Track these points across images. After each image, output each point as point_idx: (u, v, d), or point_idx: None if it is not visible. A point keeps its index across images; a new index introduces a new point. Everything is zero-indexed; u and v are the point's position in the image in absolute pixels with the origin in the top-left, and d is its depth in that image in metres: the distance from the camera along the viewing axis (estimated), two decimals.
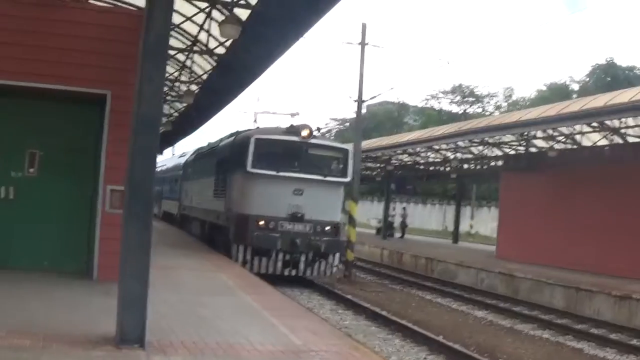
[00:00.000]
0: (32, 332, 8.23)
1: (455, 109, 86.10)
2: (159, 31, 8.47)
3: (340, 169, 22.72)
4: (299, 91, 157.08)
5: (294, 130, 22.05)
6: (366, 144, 38.10)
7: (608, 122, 24.60)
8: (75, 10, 12.91)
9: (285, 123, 28.64)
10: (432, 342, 14.64)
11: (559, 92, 68.46)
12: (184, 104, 29.70)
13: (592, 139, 28.10)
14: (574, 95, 62.56)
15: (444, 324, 17.59)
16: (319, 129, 24.04)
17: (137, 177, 8.34)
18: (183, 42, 21.10)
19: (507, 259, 30.12)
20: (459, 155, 37.62)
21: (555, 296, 22.35)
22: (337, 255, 22.44)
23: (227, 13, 16.46)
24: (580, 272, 24.65)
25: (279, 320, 11.13)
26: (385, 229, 47.50)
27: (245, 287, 15.04)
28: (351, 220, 27.45)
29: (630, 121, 24.22)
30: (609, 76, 67.28)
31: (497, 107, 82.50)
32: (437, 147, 36.71)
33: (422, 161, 44.07)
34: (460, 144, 34.58)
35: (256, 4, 15.37)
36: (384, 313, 18.10)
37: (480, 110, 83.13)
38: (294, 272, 21.62)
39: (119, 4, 17.23)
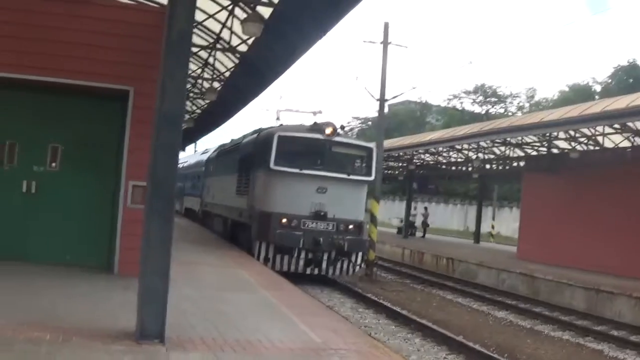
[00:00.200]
0: (52, 325, 8.28)
1: (477, 109, 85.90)
2: (181, 28, 8.49)
3: (364, 168, 22.58)
4: (322, 89, 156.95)
5: (317, 127, 21.84)
6: (388, 143, 38.04)
7: (630, 124, 24.45)
8: (99, 7, 12.96)
9: (307, 121, 28.56)
10: (452, 342, 14.62)
11: (581, 93, 68.15)
12: (207, 101, 29.86)
13: (614, 140, 27.93)
14: (596, 97, 62.24)
15: (464, 324, 17.55)
16: (343, 127, 23.85)
17: (159, 173, 8.37)
18: (206, 40, 21.18)
19: (528, 259, 29.95)
20: (481, 155, 37.47)
21: (575, 297, 22.21)
22: (360, 254, 22.19)
23: (249, 11, 16.47)
24: (602, 274, 24.49)
25: (299, 317, 11.12)
26: (407, 228, 47.41)
27: (266, 284, 15.03)
28: (373, 219, 27.37)
29: None
30: (631, 77, 66.93)
31: (520, 108, 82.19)
32: (459, 147, 36.70)
33: (444, 161, 44.02)
34: (483, 144, 34.54)
35: (279, 2, 15.39)
36: (404, 312, 18.08)
37: (502, 110, 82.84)
38: (316, 271, 21.48)
39: (143, 1, 17.32)
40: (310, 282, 21.09)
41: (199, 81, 27.41)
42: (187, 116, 35.95)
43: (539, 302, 22.53)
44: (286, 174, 21.14)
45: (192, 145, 64.61)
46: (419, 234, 49.31)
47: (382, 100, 28.76)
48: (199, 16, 17.62)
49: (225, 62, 23.49)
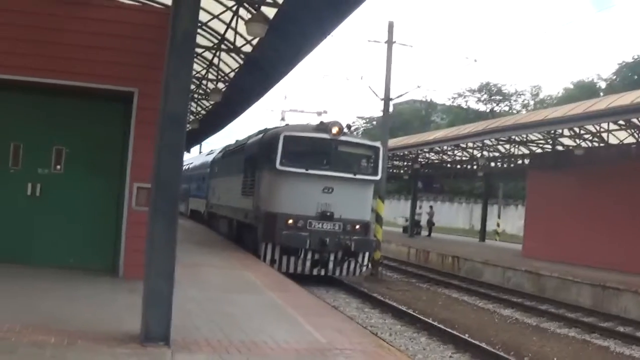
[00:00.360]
0: (57, 328, 8.27)
1: (482, 107, 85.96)
2: (185, 29, 8.47)
3: (371, 167, 22.41)
4: (326, 89, 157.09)
5: (323, 127, 21.70)
6: (393, 142, 38.06)
7: (635, 120, 24.42)
8: (103, 8, 12.96)
9: (312, 121, 28.48)
10: (458, 341, 14.61)
11: (586, 90, 68.21)
12: (211, 102, 29.83)
13: (619, 137, 27.91)
14: (601, 93, 62.20)
15: (470, 323, 17.51)
16: (349, 127, 23.76)
17: (164, 174, 8.34)
18: (210, 40, 21.14)
19: (534, 257, 29.95)
20: (485, 153, 37.46)
21: (581, 294, 22.21)
22: (367, 254, 22.10)
23: (254, 11, 16.46)
24: (608, 271, 24.47)
25: (304, 318, 11.11)
26: (412, 227, 47.42)
27: (271, 285, 15.02)
28: (378, 219, 27.37)
29: None
30: (635, 74, 66.92)
31: (525, 106, 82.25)
32: (464, 145, 36.73)
33: (449, 159, 44.00)
34: (487, 142, 34.52)
35: (283, 2, 15.37)
36: (410, 311, 18.07)
37: (507, 108, 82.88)
38: (322, 272, 21.36)
39: (147, 2, 17.31)
40: (316, 282, 21.02)
41: (204, 82, 27.38)
42: (191, 117, 36.00)
43: (545, 299, 22.55)
44: (292, 174, 21.02)
45: (197, 146, 64.65)
46: (424, 232, 49.35)
47: (386, 100, 28.74)
48: (203, 17, 17.58)
49: (229, 63, 23.45)
